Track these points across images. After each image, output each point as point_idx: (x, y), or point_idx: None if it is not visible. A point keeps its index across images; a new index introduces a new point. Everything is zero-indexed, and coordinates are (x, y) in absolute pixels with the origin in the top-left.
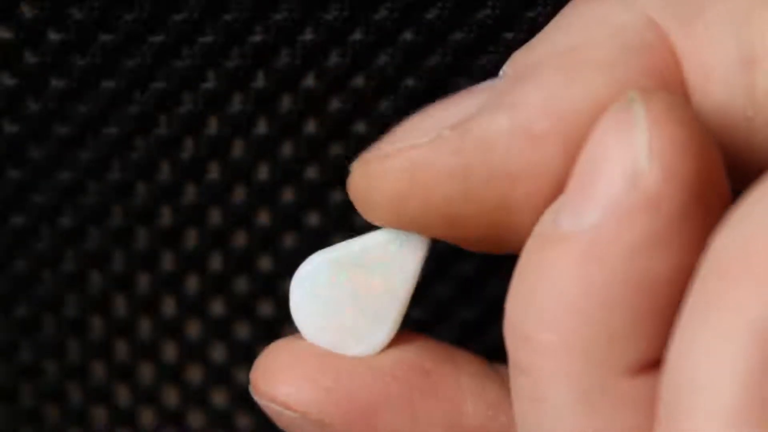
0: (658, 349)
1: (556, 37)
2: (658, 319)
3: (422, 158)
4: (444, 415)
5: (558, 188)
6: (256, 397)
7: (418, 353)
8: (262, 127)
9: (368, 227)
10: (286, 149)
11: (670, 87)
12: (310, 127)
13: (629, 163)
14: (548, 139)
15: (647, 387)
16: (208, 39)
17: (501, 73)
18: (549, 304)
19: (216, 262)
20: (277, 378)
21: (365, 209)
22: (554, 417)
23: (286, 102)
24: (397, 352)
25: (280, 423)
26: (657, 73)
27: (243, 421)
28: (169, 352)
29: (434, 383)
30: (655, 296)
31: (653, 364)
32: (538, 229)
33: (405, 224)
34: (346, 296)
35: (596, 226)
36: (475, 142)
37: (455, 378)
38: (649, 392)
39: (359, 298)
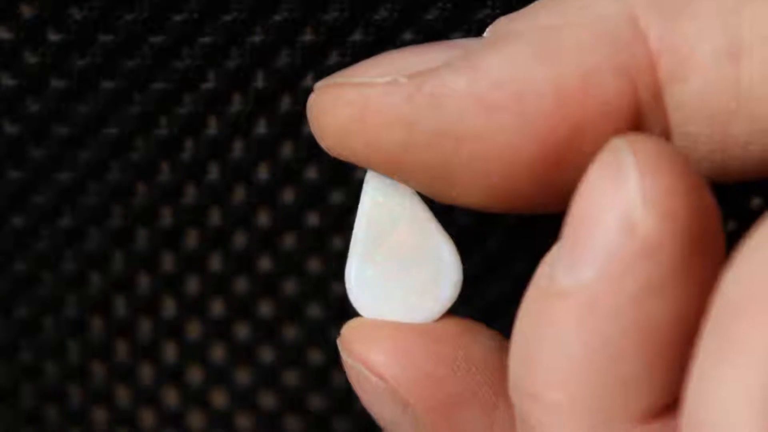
0: (669, 394)
1: (539, 15)
2: (665, 364)
3: (373, 98)
4: None
5: (504, 157)
6: (345, 355)
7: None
8: (262, 128)
9: None
10: (286, 149)
11: (637, 85)
12: (310, 127)
13: (624, 212)
14: (500, 110)
15: None
16: (208, 39)
17: (485, 34)
18: (553, 361)
19: (216, 263)
20: (375, 344)
21: (317, 135)
22: None
23: (286, 102)
24: (492, 355)
25: (358, 384)
26: (624, 69)
27: (243, 421)
28: (169, 352)
29: None
30: (660, 343)
31: (665, 409)
32: (535, 283)
33: (351, 158)
34: (397, 267)
35: (595, 278)
36: (427, 95)
37: None
38: None
39: (406, 258)
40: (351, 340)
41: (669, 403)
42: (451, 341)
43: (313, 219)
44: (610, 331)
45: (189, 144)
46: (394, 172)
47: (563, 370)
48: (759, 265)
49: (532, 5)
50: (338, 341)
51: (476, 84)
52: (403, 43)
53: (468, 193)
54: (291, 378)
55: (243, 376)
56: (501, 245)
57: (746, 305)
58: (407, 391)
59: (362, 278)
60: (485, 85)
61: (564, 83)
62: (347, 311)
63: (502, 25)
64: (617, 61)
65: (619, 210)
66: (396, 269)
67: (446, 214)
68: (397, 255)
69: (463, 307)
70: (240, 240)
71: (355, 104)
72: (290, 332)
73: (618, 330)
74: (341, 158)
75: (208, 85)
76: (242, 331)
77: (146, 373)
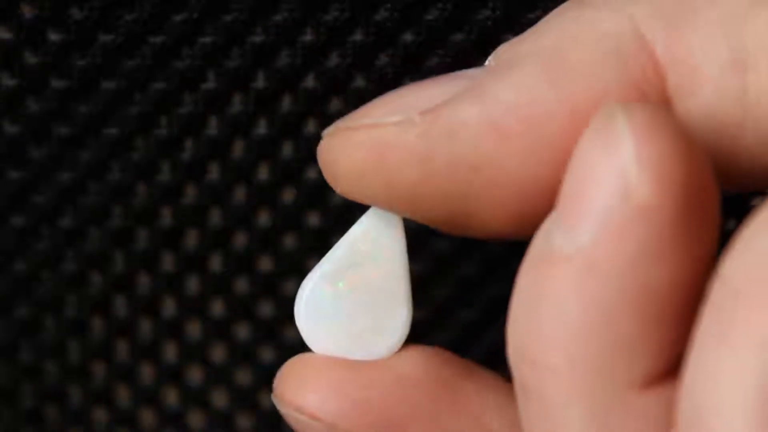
0: (667, 360)
1: (542, 37)
2: (663, 328)
3: (387, 138)
4: (468, 430)
5: (521, 183)
6: (280, 406)
7: (446, 369)
8: (262, 128)
9: None
10: (286, 149)
11: (649, 99)
12: (310, 127)
13: (619, 176)
14: (514, 136)
15: (660, 401)
16: (208, 39)
17: (486, 63)
18: (552, 326)
19: (216, 263)
20: (304, 387)
21: (330, 180)
22: None
23: (286, 102)
24: (425, 367)
25: (299, 431)
26: (634, 84)
27: (243, 421)
28: (169, 352)
29: (461, 400)
30: (657, 306)
31: (663, 375)
32: (532, 249)
33: (368, 200)
34: (352, 302)
35: (591, 242)
36: (441, 129)
37: (482, 395)
38: (662, 406)
39: (364, 298)
40: (282, 389)
41: (667, 370)
42: (381, 365)
43: (313, 219)
44: (608, 295)
45: (189, 144)
46: (412, 209)
47: (562, 334)
48: (759, 251)
49: (532, 28)
50: (272, 396)
51: (488, 112)
52: (403, 44)
53: (487, 223)
54: None
55: (243, 376)
56: (501, 246)
57: (746, 292)
58: (346, 424)
59: (316, 297)
60: (497, 112)
61: (574, 103)
62: None
63: (506, 50)
64: (626, 76)
65: (615, 174)
66: (350, 303)
67: None
68: (357, 290)
69: (463, 308)
70: (240, 240)
71: (368, 146)
72: (290, 332)
73: (616, 293)
74: (357, 201)
75: (208, 86)
76: (242, 331)
77: (146, 373)
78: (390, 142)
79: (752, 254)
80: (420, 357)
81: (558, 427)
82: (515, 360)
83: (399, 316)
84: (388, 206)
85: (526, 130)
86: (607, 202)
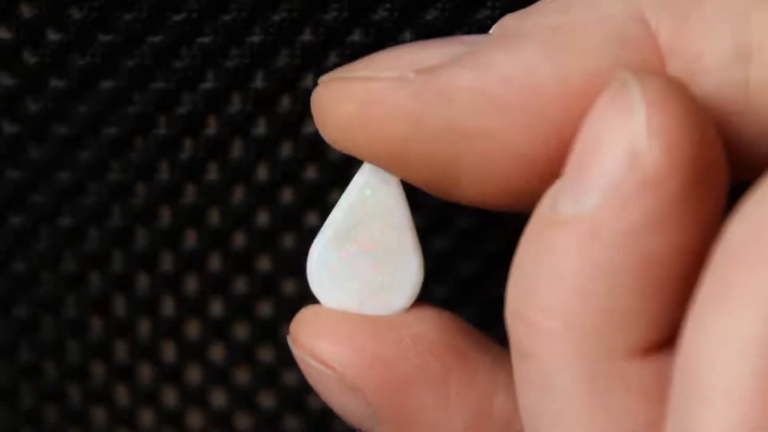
0: (664, 330)
1: (547, 13)
2: (662, 298)
3: (379, 92)
4: (474, 404)
5: (510, 155)
6: (294, 349)
7: (461, 338)
8: (261, 128)
9: None
10: (286, 149)
11: None
12: (310, 127)
13: (628, 143)
14: (508, 108)
15: (654, 370)
16: (207, 39)
17: (490, 32)
18: (551, 288)
19: (215, 263)
20: (319, 333)
21: (320, 128)
22: (560, 403)
23: (285, 102)
24: (441, 333)
25: (310, 377)
26: (634, 67)
27: (242, 421)
28: (169, 352)
29: (472, 370)
30: (657, 276)
31: (659, 345)
32: (537, 213)
33: (355, 152)
34: (361, 261)
35: (597, 208)
36: (436, 91)
37: (493, 370)
38: (656, 376)
39: (373, 255)
40: (297, 332)
41: (665, 340)
42: (397, 323)
43: (312, 219)
44: (609, 261)
45: (188, 144)
46: (397, 167)
47: (560, 298)
48: (763, 214)
49: (538, 3)
50: (288, 336)
51: (486, 82)
52: (403, 44)
53: (470, 190)
54: (291, 378)
55: (243, 376)
56: (501, 245)
57: (747, 254)
58: (355, 376)
59: (325, 261)
60: (495, 83)
61: (570, 82)
62: None
63: (510, 23)
64: (626, 61)
65: (625, 141)
66: (359, 262)
67: (447, 215)
68: (365, 249)
69: (464, 307)
70: (239, 240)
71: (360, 98)
72: (289, 331)
73: (617, 260)
74: (345, 152)
75: (207, 85)
76: (242, 331)
77: (145, 372)
78: (381, 97)
79: (754, 217)
80: (436, 319)
81: (550, 391)
82: (512, 322)
83: (411, 267)
84: (375, 161)
85: (520, 104)
86: (614, 169)
